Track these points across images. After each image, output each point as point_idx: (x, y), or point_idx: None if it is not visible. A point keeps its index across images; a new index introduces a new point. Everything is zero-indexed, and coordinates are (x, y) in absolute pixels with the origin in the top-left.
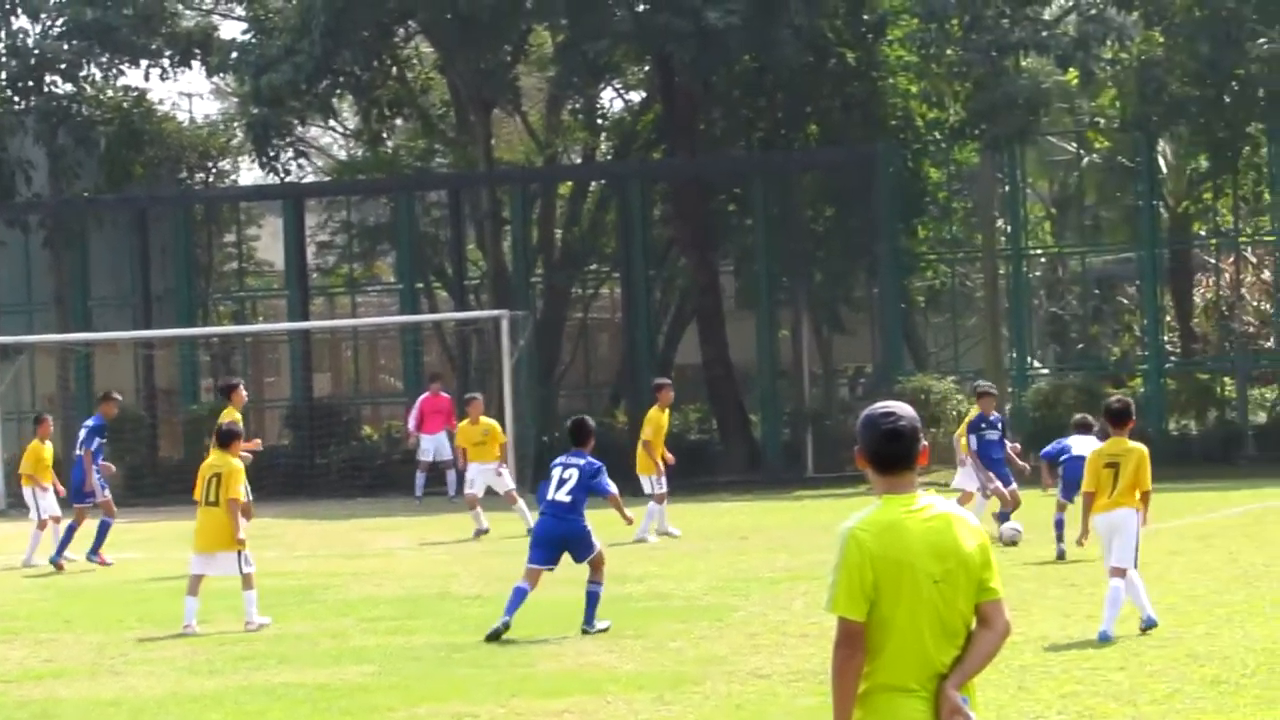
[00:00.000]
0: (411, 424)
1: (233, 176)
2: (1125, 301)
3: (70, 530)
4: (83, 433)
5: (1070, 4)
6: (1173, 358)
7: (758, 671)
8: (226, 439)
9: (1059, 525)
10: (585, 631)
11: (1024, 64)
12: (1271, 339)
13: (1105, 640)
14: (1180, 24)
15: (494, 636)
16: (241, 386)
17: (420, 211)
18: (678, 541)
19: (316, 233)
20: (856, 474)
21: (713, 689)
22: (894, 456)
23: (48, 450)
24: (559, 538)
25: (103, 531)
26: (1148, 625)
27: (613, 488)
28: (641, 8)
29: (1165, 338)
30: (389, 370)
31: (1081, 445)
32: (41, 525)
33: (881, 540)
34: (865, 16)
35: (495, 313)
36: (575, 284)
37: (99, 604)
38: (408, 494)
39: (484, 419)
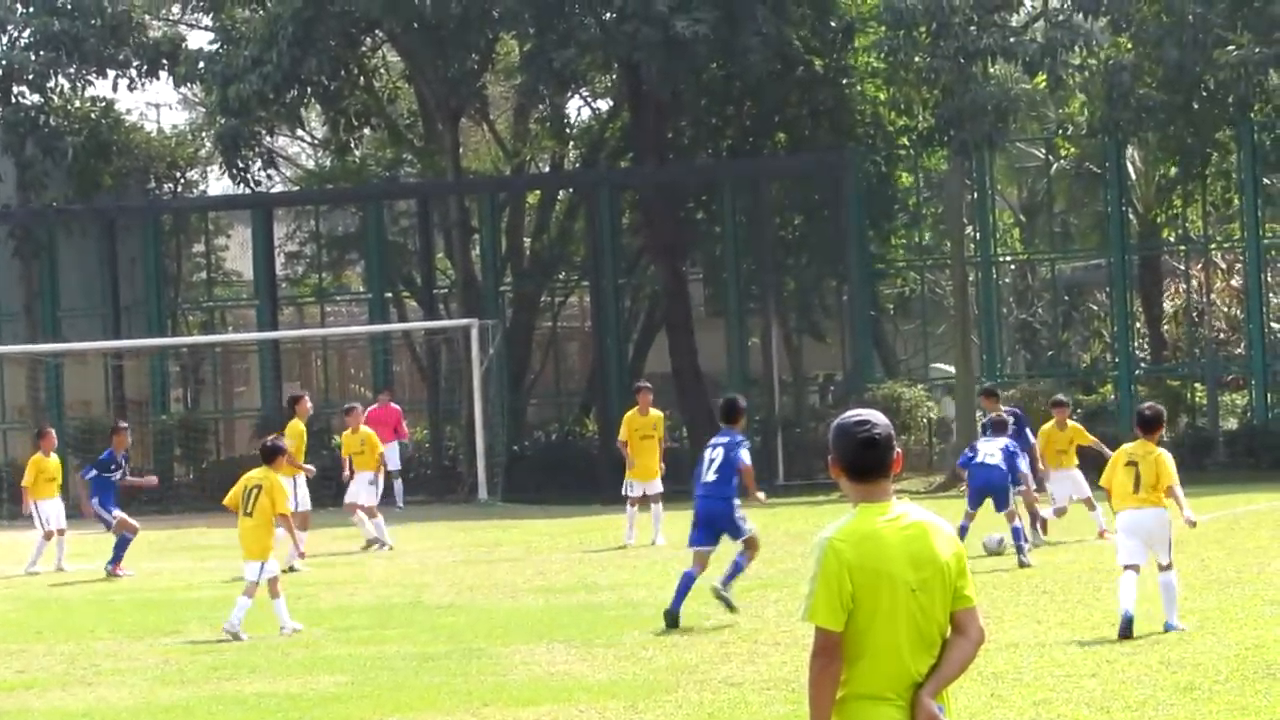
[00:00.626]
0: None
1: (201, 186)
2: (1095, 308)
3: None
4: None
5: (1038, 10)
6: (1143, 364)
7: (730, 679)
8: (271, 455)
9: (1017, 534)
10: (715, 591)
11: (992, 70)
12: (1241, 345)
13: (1171, 629)
14: (1148, 30)
15: (672, 623)
16: (307, 398)
17: (389, 221)
18: (649, 551)
19: (285, 242)
20: (828, 482)
21: (685, 697)
22: (869, 465)
23: (52, 462)
24: (715, 517)
25: (121, 546)
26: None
27: (748, 460)
28: (608, 16)
29: (1135, 344)
30: (359, 380)
31: (989, 448)
32: (47, 536)
33: (859, 550)
34: (833, 24)
35: (464, 321)
36: (544, 292)
37: (69, 615)
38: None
39: (363, 428)
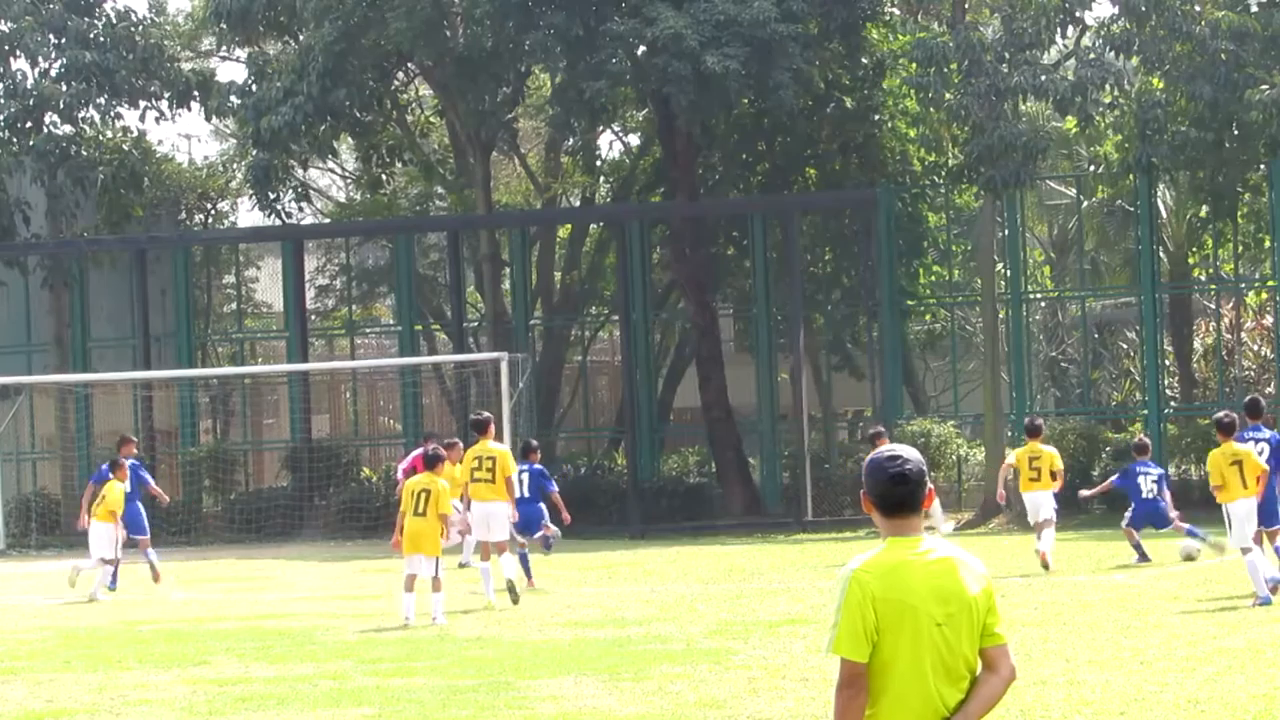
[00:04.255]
0: (401, 473)
1: (232, 218)
2: (1125, 346)
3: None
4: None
5: (1069, 49)
6: (1173, 403)
7: (757, 715)
8: (433, 462)
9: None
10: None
11: (1023, 108)
12: (1272, 384)
13: (1265, 603)
14: (1180, 69)
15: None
16: (460, 446)
17: (419, 254)
18: (677, 584)
19: (316, 275)
20: (856, 517)
21: None
22: (900, 499)
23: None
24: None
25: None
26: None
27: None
28: (640, 50)
29: (1165, 382)
30: (388, 412)
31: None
32: (105, 562)
33: (885, 582)
34: (864, 60)
35: (494, 355)
36: (574, 326)
37: (98, 645)
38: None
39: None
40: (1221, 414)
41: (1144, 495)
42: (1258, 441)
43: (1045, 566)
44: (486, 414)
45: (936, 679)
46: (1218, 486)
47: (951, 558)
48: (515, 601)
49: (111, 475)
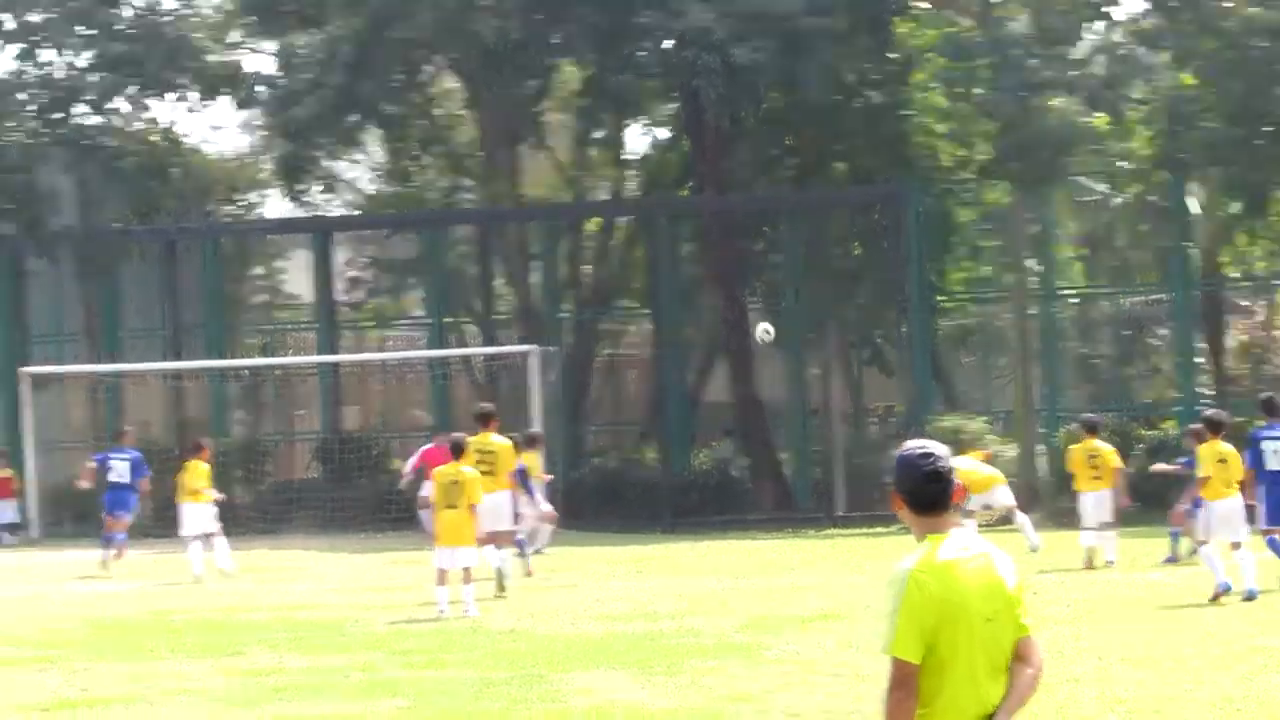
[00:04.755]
0: (409, 467)
1: (260, 209)
2: (1157, 343)
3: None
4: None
5: (1099, 44)
6: (1205, 400)
7: (789, 709)
8: (459, 450)
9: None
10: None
11: (1053, 104)
12: None
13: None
14: (1211, 65)
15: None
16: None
17: (448, 246)
18: (708, 579)
19: (345, 267)
20: (887, 513)
21: None
22: (934, 497)
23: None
24: None
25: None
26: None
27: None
28: (669, 43)
29: (1197, 380)
30: (418, 404)
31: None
32: (205, 539)
33: (940, 582)
34: (893, 55)
35: (524, 348)
36: (604, 320)
37: (133, 634)
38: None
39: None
40: (1211, 412)
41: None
42: (1273, 440)
43: (1102, 565)
44: (490, 406)
45: (985, 675)
46: (1205, 478)
47: (988, 553)
48: (502, 591)
49: (194, 456)
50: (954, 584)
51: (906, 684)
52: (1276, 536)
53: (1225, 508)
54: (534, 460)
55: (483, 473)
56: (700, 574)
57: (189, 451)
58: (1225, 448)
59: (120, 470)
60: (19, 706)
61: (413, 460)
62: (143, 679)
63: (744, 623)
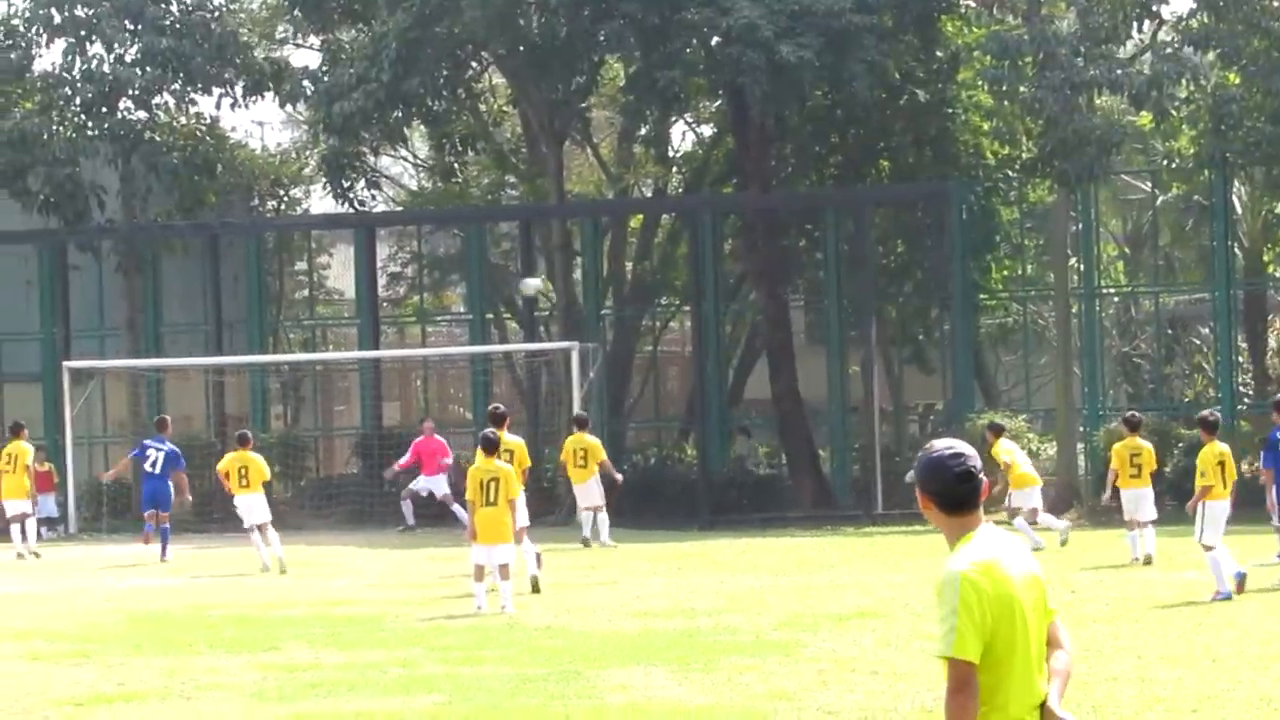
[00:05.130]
0: (402, 461)
1: (304, 204)
2: (1198, 342)
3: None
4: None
5: (1145, 43)
6: (1246, 399)
7: (826, 707)
8: (491, 446)
9: None
10: None
11: (1098, 102)
12: None
13: (1227, 598)
14: (1257, 64)
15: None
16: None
17: (491, 242)
18: (746, 576)
19: (388, 263)
20: None
21: None
22: (965, 497)
23: (254, 459)
24: None
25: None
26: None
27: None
28: (714, 40)
29: (1239, 379)
30: (458, 400)
31: None
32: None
33: (992, 580)
34: (938, 53)
35: (565, 345)
36: (645, 316)
37: (169, 629)
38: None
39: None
40: (1206, 412)
41: None
42: None
43: (1148, 561)
44: (503, 408)
45: (1036, 664)
46: (1208, 486)
47: (1016, 543)
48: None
49: (240, 446)
50: (1003, 580)
51: (968, 686)
52: None
53: (1222, 508)
54: (585, 441)
55: None
56: (738, 571)
57: (236, 442)
58: (1222, 448)
59: (155, 460)
60: (55, 701)
61: (404, 460)
62: (179, 674)
63: (782, 620)
